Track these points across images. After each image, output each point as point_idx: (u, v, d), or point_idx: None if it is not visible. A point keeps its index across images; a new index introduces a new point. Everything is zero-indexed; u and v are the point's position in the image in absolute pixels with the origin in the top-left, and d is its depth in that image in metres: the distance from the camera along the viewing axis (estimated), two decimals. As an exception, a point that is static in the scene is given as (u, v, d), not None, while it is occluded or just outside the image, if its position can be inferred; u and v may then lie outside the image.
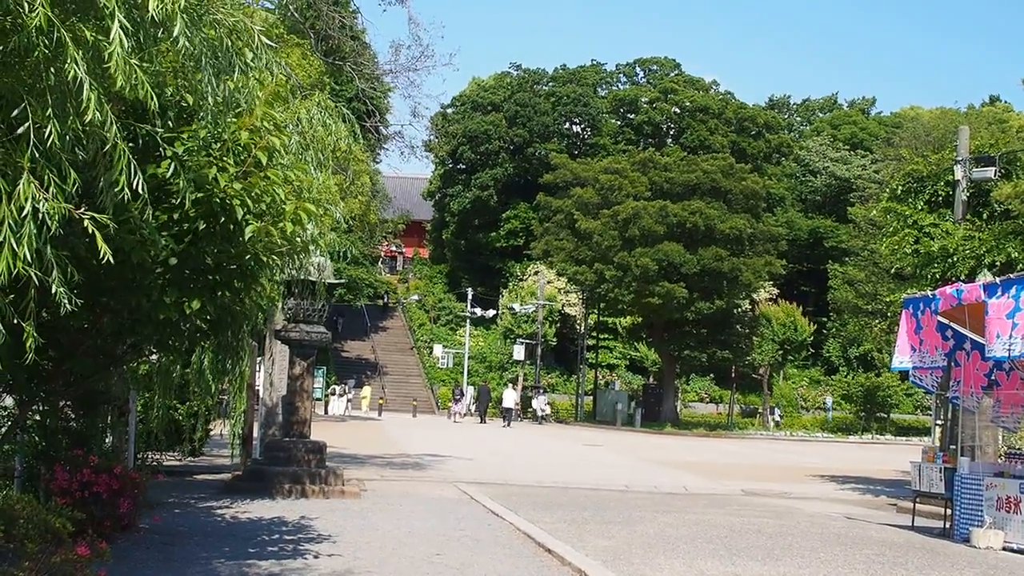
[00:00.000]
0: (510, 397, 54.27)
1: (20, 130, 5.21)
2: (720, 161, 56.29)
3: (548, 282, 64.85)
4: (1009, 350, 13.08)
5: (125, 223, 6.62)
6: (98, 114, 5.15)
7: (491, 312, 69.02)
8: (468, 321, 69.02)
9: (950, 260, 20.13)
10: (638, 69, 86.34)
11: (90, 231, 5.54)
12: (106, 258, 5.55)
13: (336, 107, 11.18)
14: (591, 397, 61.72)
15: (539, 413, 55.36)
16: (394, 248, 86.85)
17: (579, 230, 53.58)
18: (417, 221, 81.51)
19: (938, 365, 15.84)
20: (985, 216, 21.73)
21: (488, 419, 54.68)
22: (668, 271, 49.96)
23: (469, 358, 66.92)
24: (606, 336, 67.25)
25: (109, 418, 13.03)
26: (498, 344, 70.40)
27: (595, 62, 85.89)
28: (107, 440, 13.15)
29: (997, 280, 14.26)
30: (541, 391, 58.31)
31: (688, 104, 78.03)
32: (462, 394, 58.39)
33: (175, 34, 5.32)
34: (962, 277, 18.67)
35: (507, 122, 77.06)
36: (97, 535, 8.67)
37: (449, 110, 79.30)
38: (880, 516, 18.33)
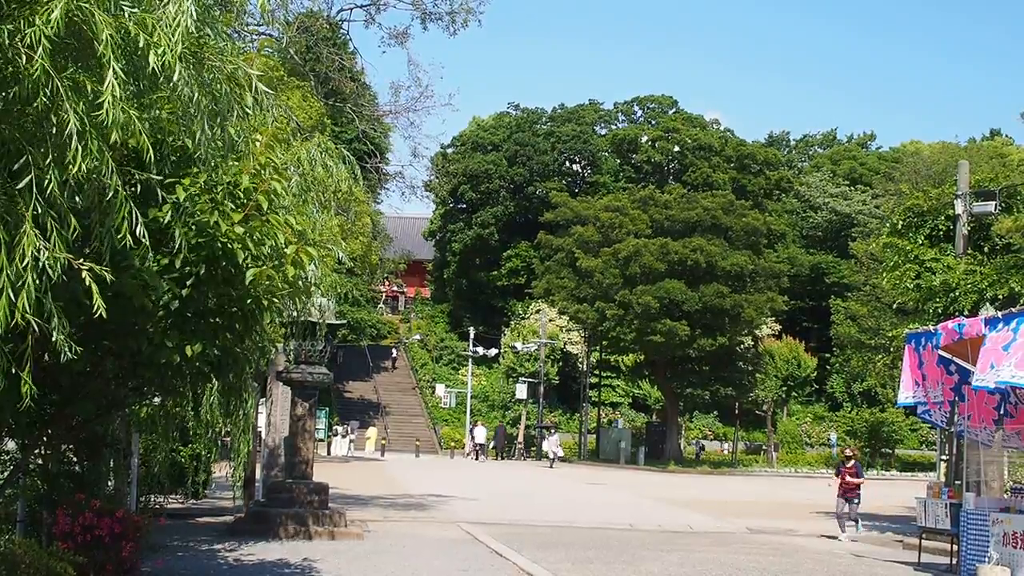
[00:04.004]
0: (481, 433, 57.17)
1: (22, 183, 5.25)
2: (720, 198, 56.40)
3: (550, 320, 64.81)
4: (997, 377, 13.14)
5: (126, 268, 6.65)
6: (97, 162, 5.19)
7: (493, 351, 68.91)
8: (470, 360, 68.91)
9: (952, 294, 20.14)
10: (636, 107, 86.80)
11: (88, 283, 5.56)
12: (99, 312, 5.56)
13: (336, 148, 11.24)
14: (594, 435, 61.49)
15: (550, 455, 51.93)
16: (396, 288, 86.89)
17: (580, 268, 53.62)
18: (418, 261, 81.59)
19: (939, 400, 15.81)
20: (986, 250, 21.77)
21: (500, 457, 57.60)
22: (670, 308, 49.92)
23: (472, 397, 66.78)
24: (609, 374, 67.12)
25: (111, 461, 13.00)
26: (500, 383, 70.22)
27: (593, 101, 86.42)
28: (109, 483, 13.11)
29: (999, 314, 14.27)
30: (552, 431, 56.09)
31: (689, 142, 78.35)
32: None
33: (175, 80, 5.38)
34: (964, 311, 18.67)
35: (507, 161, 77.38)
36: (98, 580, 8.63)
37: (449, 150, 79.64)
38: (886, 553, 18.22)
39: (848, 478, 20.81)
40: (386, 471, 40.57)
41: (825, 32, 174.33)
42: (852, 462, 21.32)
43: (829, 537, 20.58)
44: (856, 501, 20.91)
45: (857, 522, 21.32)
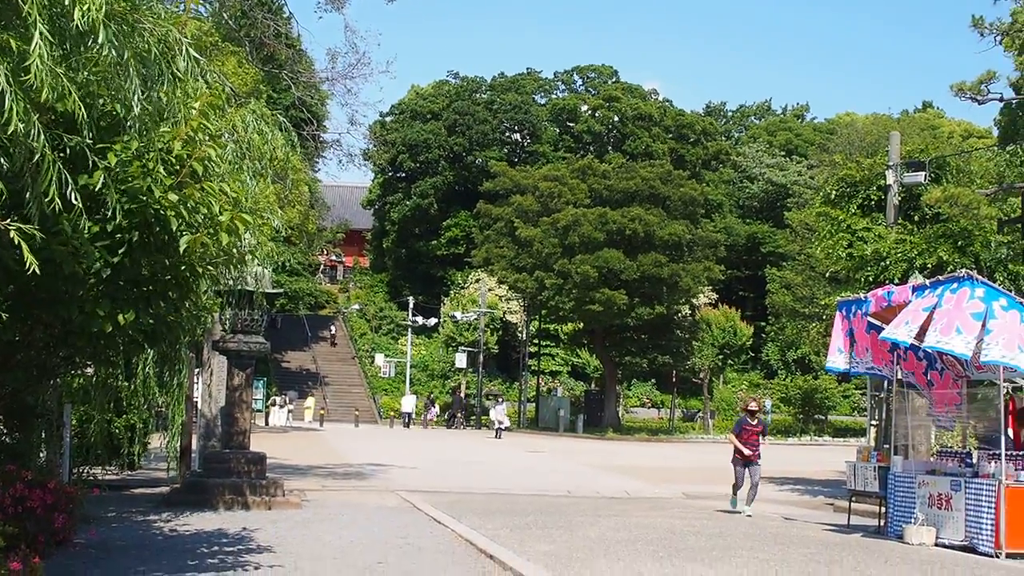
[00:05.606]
0: (409, 402, 59.14)
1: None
2: (658, 168, 56.74)
3: (489, 290, 64.90)
4: (909, 336, 13.56)
5: (56, 234, 6.56)
6: (23, 124, 5.10)
7: (432, 320, 68.94)
8: (409, 330, 68.86)
9: (883, 263, 20.50)
10: (576, 77, 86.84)
11: (16, 242, 5.47)
12: (32, 269, 5.49)
13: (273, 115, 11.14)
14: (533, 404, 61.86)
15: (497, 425, 49.16)
16: (334, 257, 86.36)
17: (519, 238, 53.70)
18: (357, 230, 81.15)
19: (869, 366, 16.17)
20: (916, 220, 22.16)
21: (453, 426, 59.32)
22: (608, 278, 50.22)
23: (411, 367, 66.79)
24: (548, 343, 67.49)
25: (43, 432, 12.85)
26: (440, 352, 70.32)
27: (532, 70, 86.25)
28: (41, 455, 12.96)
29: (927, 282, 14.63)
30: (499, 400, 54.85)
31: (628, 112, 78.58)
32: (432, 403, 61.46)
33: (100, 42, 5.29)
34: (895, 280, 19.03)
35: (446, 130, 77.05)
36: (31, 550, 8.54)
37: (388, 118, 79.08)
38: (817, 516, 18.60)
39: (757, 437, 18.04)
40: (325, 441, 40.50)
41: (760, 3, 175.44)
42: (758, 419, 18.49)
43: (731, 512, 18.02)
44: (758, 464, 18.00)
45: (747, 492, 17.94)
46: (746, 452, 17.83)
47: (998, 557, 12.92)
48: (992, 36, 21.97)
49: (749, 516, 17.49)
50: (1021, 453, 14.06)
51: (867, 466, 16.33)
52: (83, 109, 5.67)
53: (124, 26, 5.56)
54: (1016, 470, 13.56)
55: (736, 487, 18.06)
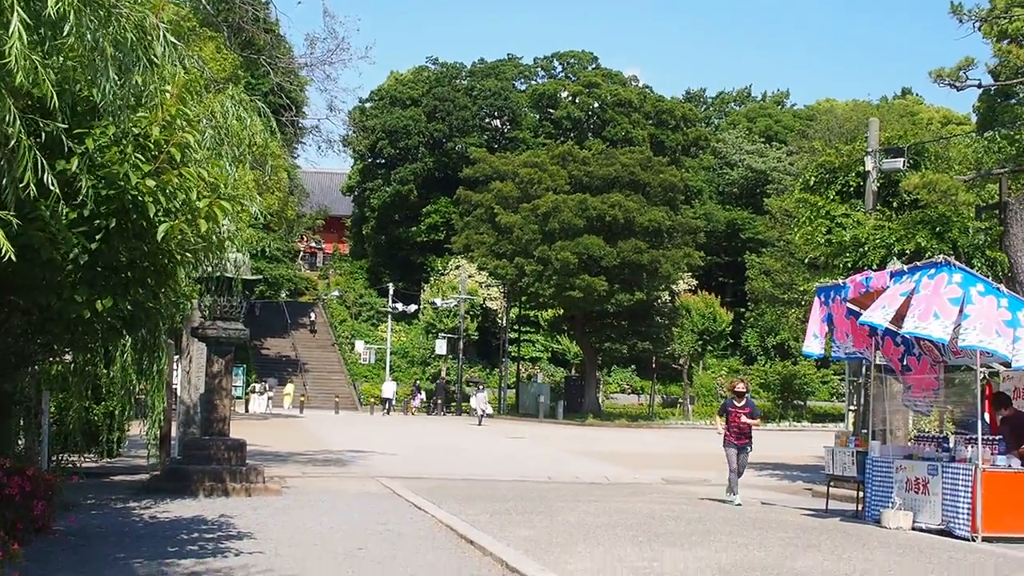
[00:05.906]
0: (389, 388, 59.12)
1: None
2: (638, 154, 56.76)
3: (469, 276, 64.87)
4: (885, 320, 13.68)
5: (33, 220, 6.51)
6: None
7: (412, 307, 68.89)
8: (389, 316, 68.78)
9: (861, 249, 20.58)
10: (556, 63, 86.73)
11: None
12: (8, 255, 5.44)
13: (251, 101, 11.08)
14: (514, 390, 61.93)
15: (479, 412, 49.44)
16: (313, 244, 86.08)
17: (499, 224, 53.67)
18: (336, 216, 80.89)
19: (850, 351, 16.28)
20: (895, 206, 22.27)
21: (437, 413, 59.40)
22: (588, 264, 50.27)
23: (391, 353, 66.73)
24: (528, 329, 67.53)
25: (21, 420, 12.77)
26: (420, 339, 70.28)
27: (512, 56, 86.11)
28: (20, 442, 12.89)
29: (905, 268, 14.73)
30: (480, 387, 54.76)
31: (608, 98, 78.54)
32: (419, 389, 61.38)
33: (70, 27, 5.24)
34: (873, 266, 19.11)
35: (426, 117, 76.85)
36: (9, 537, 8.52)
37: (367, 104, 78.78)
38: (796, 500, 18.71)
39: (744, 419, 17.40)
40: (305, 427, 40.43)
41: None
42: (745, 400, 17.76)
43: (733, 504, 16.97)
44: (749, 449, 17.54)
45: (738, 480, 17.36)
46: (719, 431, 17.80)
47: (974, 541, 13.03)
48: (971, 23, 22.05)
49: (730, 503, 17.31)
50: (997, 438, 14.17)
51: (845, 451, 16.43)
52: (55, 95, 5.63)
53: (100, 11, 5.51)
54: (992, 454, 13.68)
55: (731, 471, 17.27)
